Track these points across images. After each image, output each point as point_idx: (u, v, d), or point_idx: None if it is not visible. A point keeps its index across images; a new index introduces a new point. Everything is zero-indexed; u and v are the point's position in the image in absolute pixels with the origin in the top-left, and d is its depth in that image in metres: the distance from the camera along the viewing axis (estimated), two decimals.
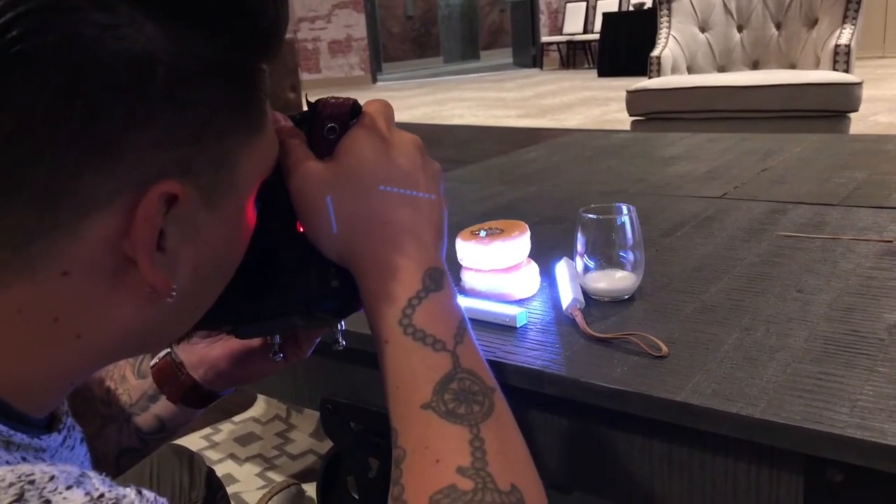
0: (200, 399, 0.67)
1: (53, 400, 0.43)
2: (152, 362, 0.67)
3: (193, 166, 0.40)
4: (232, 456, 1.71)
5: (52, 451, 0.42)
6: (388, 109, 0.54)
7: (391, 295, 0.49)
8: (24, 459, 0.37)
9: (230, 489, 1.53)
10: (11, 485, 0.32)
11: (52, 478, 0.33)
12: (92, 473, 0.36)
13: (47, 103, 0.34)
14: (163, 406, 0.67)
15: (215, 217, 0.42)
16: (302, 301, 0.53)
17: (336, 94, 0.55)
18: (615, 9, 10.56)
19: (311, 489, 1.49)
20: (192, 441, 1.75)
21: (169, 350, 0.67)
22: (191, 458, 0.99)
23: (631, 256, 0.86)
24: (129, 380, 0.68)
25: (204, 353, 0.65)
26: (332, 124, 0.53)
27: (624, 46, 9.42)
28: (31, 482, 0.33)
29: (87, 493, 0.34)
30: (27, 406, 0.40)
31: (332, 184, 0.50)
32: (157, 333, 0.45)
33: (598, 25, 10.35)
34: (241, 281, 0.49)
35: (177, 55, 0.37)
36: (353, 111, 0.53)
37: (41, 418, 0.42)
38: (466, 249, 0.90)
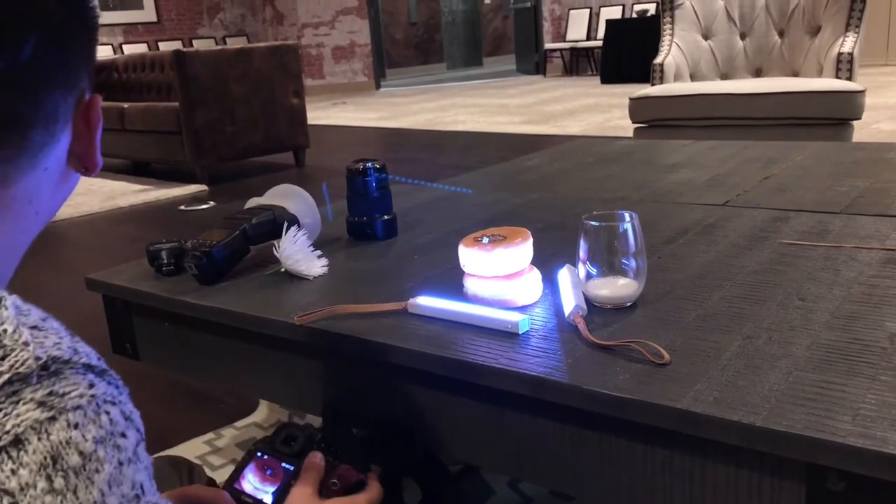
0: None
1: (10, 269, 0.54)
2: None
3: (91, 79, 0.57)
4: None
5: None
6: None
7: None
8: None
9: None
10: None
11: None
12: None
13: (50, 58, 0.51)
14: None
15: (92, 119, 0.57)
16: None
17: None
18: (618, 16, 10.57)
19: None
20: (195, 446, 1.75)
21: None
22: (190, 469, 0.99)
23: (633, 264, 0.86)
24: None
25: None
26: (335, 480, 0.74)
27: (627, 53, 9.42)
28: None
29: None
30: None
31: None
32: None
33: (601, 32, 10.35)
34: None
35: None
36: (357, 484, 0.75)
37: None
38: (469, 256, 0.91)
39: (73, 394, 0.41)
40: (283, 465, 0.78)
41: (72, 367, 0.42)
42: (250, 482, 0.78)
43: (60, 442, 0.39)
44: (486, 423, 0.80)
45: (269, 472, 0.78)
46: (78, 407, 0.40)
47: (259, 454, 0.80)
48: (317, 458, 0.75)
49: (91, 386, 0.42)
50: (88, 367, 0.43)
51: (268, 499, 0.76)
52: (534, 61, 12.11)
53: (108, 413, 0.42)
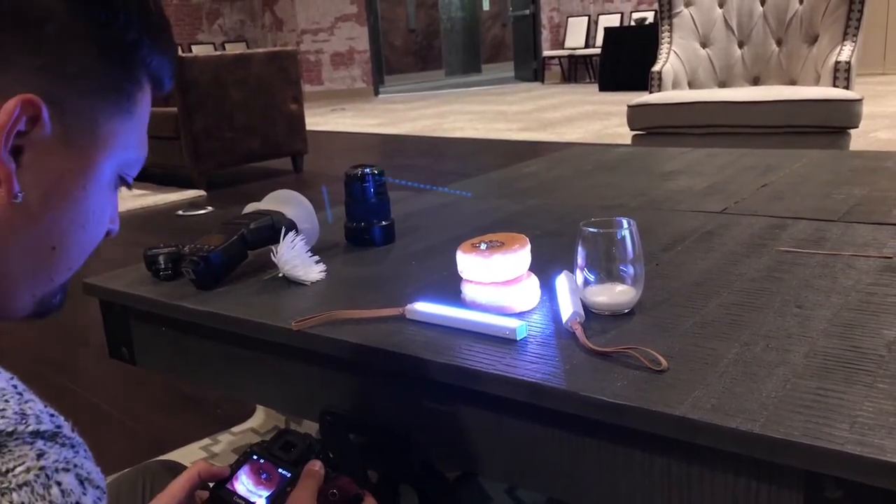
0: None
1: None
2: None
3: (55, 99, 0.47)
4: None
5: None
6: None
7: None
8: None
9: None
10: None
11: None
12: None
13: None
14: None
15: (70, 154, 0.49)
16: None
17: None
18: (617, 23, 10.61)
19: None
20: (192, 452, 1.75)
21: None
22: None
23: (631, 270, 0.86)
24: None
25: None
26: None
27: (625, 61, 9.44)
28: None
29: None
30: None
31: None
32: (20, 266, 0.49)
33: (599, 40, 10.38)
34: None
35: (69, 18, 0.47)
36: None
37: None
38: (467, 262, 0.91)
39: (19, 470, 0.37)
40: (280, 470, 0.78)
41: (17, 439, 0.37)
42: (244, 484, 0.78)
43: None
44: (483, 430, 0.80)
45: (264, 477, 0.78)
46: (24, 484, 0.36)
47: (255, 457, 0.80)
48: (317, 466, 0.75)
49: (40, 455, 0.38)
50: (37, 434, 0.38)
51: (261, 502, 0.76)
52: (532, 68, 12.14)
53: (59, 483, 0.38)
